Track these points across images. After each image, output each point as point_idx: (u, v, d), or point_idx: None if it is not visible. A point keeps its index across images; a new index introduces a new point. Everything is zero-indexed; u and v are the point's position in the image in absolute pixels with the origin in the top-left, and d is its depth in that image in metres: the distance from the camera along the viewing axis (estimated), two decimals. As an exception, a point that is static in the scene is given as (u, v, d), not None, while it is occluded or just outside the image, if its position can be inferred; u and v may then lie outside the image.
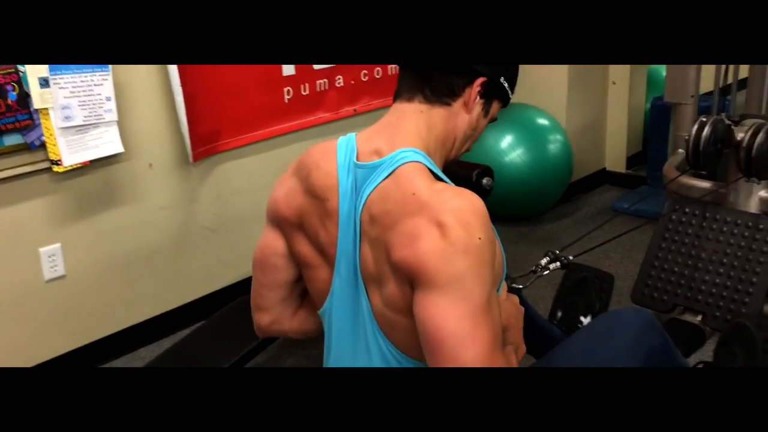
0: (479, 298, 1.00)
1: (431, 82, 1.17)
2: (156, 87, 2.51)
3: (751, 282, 1.90)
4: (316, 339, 2.66)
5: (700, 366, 1.78)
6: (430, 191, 1.05)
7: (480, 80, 1.18)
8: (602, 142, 4.01)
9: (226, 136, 2.74)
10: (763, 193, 2.01)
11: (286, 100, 2.89)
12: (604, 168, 4.05)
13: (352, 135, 1.22)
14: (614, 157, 4.01)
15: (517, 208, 3.46)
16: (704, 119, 1.96)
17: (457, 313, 0.99)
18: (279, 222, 1.29)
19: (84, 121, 2.24)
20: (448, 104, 1.19)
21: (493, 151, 3.36)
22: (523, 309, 1.34)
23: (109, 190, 2.47)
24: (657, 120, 3.71)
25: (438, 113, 1.18)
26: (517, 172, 3.31)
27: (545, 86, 3.67)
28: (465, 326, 0.99)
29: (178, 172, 2.65)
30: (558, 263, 1.51)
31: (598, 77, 3.85)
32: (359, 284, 1.15)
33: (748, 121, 1.98)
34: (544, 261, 1.53)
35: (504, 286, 1.24)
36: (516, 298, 1.34)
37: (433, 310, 1.00)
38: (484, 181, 2.57)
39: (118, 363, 2.56)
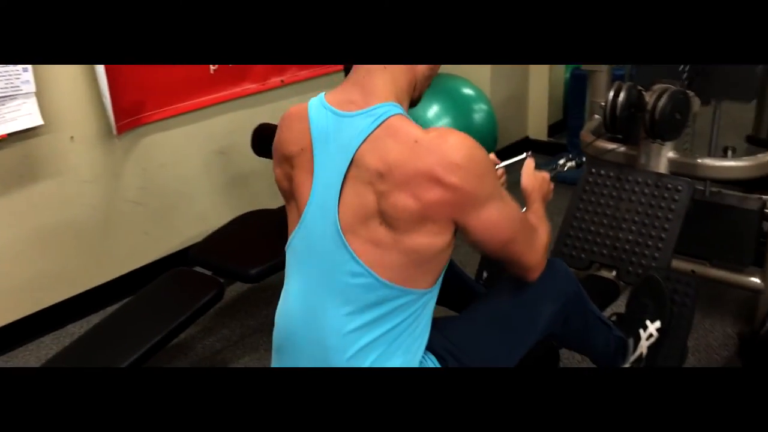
0: (503, 194, 1.28)
1: None
2: (75, 57, 2.45)
3: (661, 238, 2.02)
4: (250, 310, 2.68)
5: (614, 318, 1.88)
6: (428, 137, 1.18)
7: None
8: (525, 111, 4.13)
9: (151, 107, 2.70)
10: (670, 154, 2.12)
11: (212, 71, 2.86)
12: (527, 136, 4.17)
13: (321, 94, 1.31)
14: (536, 125, 4.14)
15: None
16: (619, 85, 2.05)
17: (504, 215, 1.27)
18: None
19: (0, 92, 2.17)
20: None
21: (421, 121, 3.40)
22: (545, 178, 1.61)
23: (30, 165, 2.41)
24: (576, 89, 3.84)
25: (399, 68, 1.27)
26: (444, 141, 3.37)
27: (469, 56, 3.74)
28: (511, 221, 1.29)
29: (102, 145, 2.60)
30: (573, 162, 1.80)
31: (520, 47, 3.94)
32: (334, 223, 1.23)
33: (657, 87, 2.08)
34: (561, 161, 1.79)
35: None
36: (545, 174, 1.62)
37: (489, 223, 1.24)
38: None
39: (47, 340, 2.52)
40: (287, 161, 1.33)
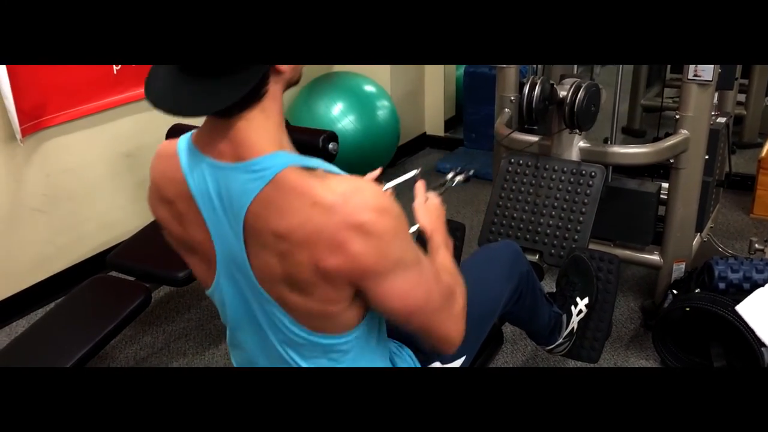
0: (415, 258, 1.09)
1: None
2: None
3: (579, 221, 2.17)
4: (170, 315, 2.60)
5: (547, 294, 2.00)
6: (328, 193, 1.01)
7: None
8: (422, 108, 4.24)
9: (53, 110, 2.56)
10: (582, 144, 2.28)
11: (115, 71, 2.75)
12: (425, 132, 4.29)
13: (188, 134, 1.13)
14: (433, 121, 4.27)
15: (352, 173, 3.57)
16: (534, 80, 2.18)
17: (412, 284, 1.09)
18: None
19: None
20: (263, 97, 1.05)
21: (326, 119, 3.43)
22: (440, 207, 1.42)
23: (-75, 173, 2.23)
24: (470, 86, 4.00)
25: (266, 103, 1.05)
26: (351, 138, 3.41)
27: (369, 55, 3.80)
28: (420, 290, 1.11)
29: (2, 150, 2.44)
30: (461, 176, 1.73)
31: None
32: (252, 283, 1.12)
33: (567, 80, 2.23)
34: (450, 175, 1.73)
35: None
36: (437, 201, 1.43)
37: (392, 293, 1.08)
38: (330, 146, 2.65)
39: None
40: (169, 203, 1.16)
